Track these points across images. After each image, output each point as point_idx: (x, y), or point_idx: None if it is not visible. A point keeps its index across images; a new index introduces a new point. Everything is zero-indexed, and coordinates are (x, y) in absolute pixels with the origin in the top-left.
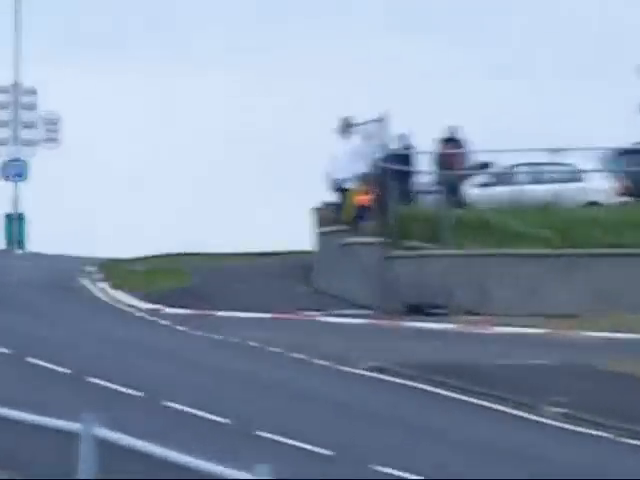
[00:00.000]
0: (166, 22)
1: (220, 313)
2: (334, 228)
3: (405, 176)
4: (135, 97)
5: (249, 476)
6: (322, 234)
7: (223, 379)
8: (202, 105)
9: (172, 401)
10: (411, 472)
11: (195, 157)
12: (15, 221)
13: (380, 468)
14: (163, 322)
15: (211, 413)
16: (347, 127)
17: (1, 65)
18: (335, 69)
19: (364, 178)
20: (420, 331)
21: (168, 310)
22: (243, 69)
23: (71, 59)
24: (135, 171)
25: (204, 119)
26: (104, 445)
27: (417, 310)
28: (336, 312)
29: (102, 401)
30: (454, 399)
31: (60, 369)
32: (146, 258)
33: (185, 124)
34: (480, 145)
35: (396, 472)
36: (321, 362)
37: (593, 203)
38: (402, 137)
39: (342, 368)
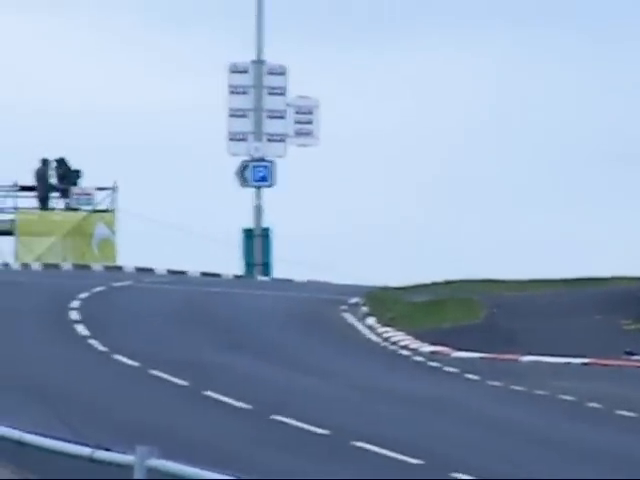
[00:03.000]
0: None
1: (523, 358)
2: None
3: None
4: (406, 81)
5: None
6: None
7: (525, 443)
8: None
9: (461, 472)
10: None
11: (484, 156)
12: (258, 239)
13: None
14: (449, 369)
15: None
16: None
17: (239, 38)
18: None
19: None
20: None
21: (455, 354)
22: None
23: (326, 33)
24: (411, 179)
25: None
26: None
27: None
28: None
29: (371, 471)
30: None
31: (315, 429)
32: (425, 286)
33: (470, 114)
34: None
35: None
36: None
37: None
38: None
39: None
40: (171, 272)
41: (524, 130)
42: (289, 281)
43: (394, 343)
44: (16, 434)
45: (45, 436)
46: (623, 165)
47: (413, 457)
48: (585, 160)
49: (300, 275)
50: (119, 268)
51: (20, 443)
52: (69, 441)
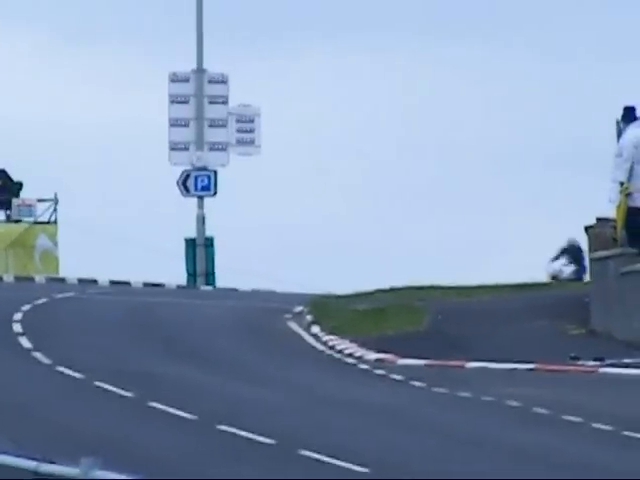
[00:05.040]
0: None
1: (468, 364)
2: (613, 252)
3: None
4: (345, 88)
5: None
6: (597, 260)
7: (473, 449)
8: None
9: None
10: None
11: (421, 166)
12: (201, 248)
13: None
14: (394, 376)
15: None
16: (630, 117)
17: (179, 48)
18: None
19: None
20: None
21: (400, 361)
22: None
23: (263, 43)
24: (352, 185)
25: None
26: None
27: None
28: (620, 362)
29: None
30: None
31: (261, 439)
32: (367, 294)
33: (406, 121)
34: None
35: None
36: (602, 427)
37: None
38: None
39: (630, 434)
40: (114, 283)
41: (460, 134)
42: (233, 290)
43: (339, 351)
44: None
45: None
46: (555, 169)
47: (360, 466)
48: (516, 166)
49: (244, 284)
50: (62, 280)
51: None
52: (12, 454)
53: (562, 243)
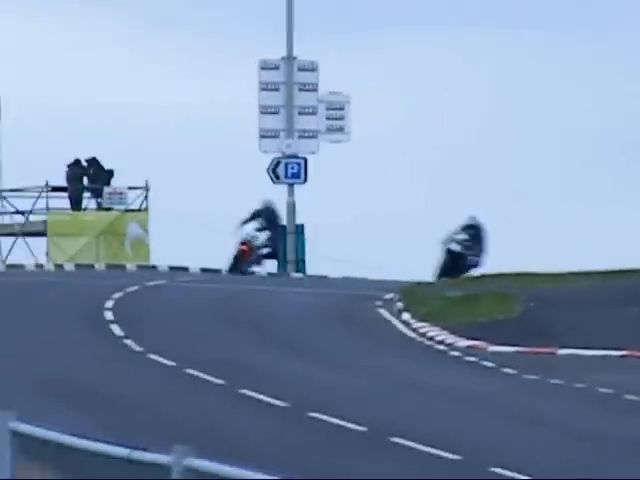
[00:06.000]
0: None
1: (560, 351)
2: None
3: None
4: (435, 77)
5: None
6: None
7: (563, 437)
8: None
9: (500, 467)
10: None
11: (513, 149)
12: (291, 236)
13: None
14: (486, 363)
15: None
16: None
17: (269, 35)
18: None
19: None
20: None
21: (492, 348)
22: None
23: (354, 31)
24: (441, 173)
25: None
26: None
27: None
28: None
29: (411, 468)
30: None
31: (353, 426)
32: (459, 281)
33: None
34: None
35: None
36: None
37: None
38: None
39: None
40: (205, 270)
41: (547, 121)
42: (323, 278)
43: (430, 338)
44: (54, 436)
45: (83, 437)
46: None
47: (451, 452)
48: (612, 154)
49: (334, 272)
50: (153, 267)
51: (58, 445)
52: (106, 442)
53: (256, 205)
